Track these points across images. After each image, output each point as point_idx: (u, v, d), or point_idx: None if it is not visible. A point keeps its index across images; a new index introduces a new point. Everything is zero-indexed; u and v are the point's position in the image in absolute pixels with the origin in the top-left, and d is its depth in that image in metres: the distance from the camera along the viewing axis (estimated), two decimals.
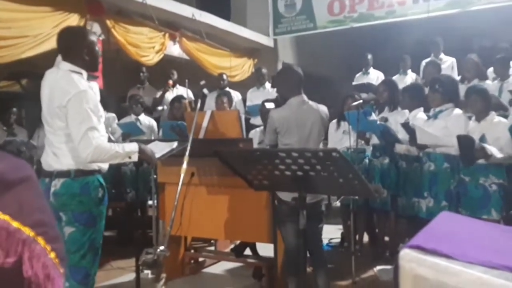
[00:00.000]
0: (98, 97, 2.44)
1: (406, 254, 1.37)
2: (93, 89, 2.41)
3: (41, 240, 0.58)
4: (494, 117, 3.56)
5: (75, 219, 2.30)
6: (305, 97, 3.05)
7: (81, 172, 2.34)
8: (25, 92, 7.46)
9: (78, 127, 2.26)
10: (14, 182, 0.57)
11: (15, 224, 0.56)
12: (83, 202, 2.33)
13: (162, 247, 2.41)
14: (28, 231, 0.57)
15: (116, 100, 6.54)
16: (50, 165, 2.36)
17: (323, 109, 3.13)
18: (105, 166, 2.48)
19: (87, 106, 2.28)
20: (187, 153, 2.81)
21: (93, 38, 2.47)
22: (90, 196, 2.35)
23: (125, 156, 2.41)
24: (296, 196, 1.89)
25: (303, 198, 1.87)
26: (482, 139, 3.39)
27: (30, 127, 5.83)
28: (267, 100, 4.25)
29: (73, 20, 5.09)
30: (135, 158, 2.45)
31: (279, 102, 3.26)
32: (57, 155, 2.35)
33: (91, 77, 2.52)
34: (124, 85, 6.87)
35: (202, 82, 3.04)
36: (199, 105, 3.07)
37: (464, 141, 3.28)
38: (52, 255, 0.59)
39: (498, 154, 3.25)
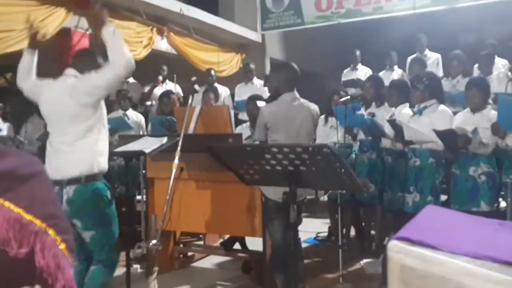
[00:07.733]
0: None
1: (394, 245, 1.42)
2: None
3: (52, 232, 0.61)
4: (491, 111, 3.53)
5: (93, 222, 2.49)
6: (297, 94, 3.07)
7: (90, 178, 2.49)
8: (10, 87, 7.36)
9: (102, 73, 2.46)
10: (27, 177, 0.59)
11: (28, 216, 0.59)
12: (97, 205, 2.51)
13: (154, 241, 2.45)
14: (40, 223, 0.60)
15: None
16: (59, 171, 2.45)
17: (314, 107, 3.15)
18: (105, 166, 2.61)
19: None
20: (179, 148, 2.83)
21: (101, 61, 2.68)
22: (102, 199, 2.53)
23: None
24: (287, 190, 1.93)
25: (294, 192, 1.91)
26: (475, 131, 3.41)
27: (15, 121, 5.76)
28: (255, 97, 4.27)
29: (60, 14, 5.05)
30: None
31: (270, 99, 3.28)
32: (68, 159, 2.48)
33: None
34: None
35: (193, 78, 3.05)
36: (190, 100, 3.08)
37: (443, 134, 3.33)
38: (62, 246, 0.62)
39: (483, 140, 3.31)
